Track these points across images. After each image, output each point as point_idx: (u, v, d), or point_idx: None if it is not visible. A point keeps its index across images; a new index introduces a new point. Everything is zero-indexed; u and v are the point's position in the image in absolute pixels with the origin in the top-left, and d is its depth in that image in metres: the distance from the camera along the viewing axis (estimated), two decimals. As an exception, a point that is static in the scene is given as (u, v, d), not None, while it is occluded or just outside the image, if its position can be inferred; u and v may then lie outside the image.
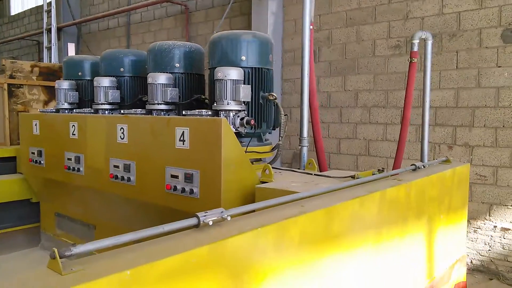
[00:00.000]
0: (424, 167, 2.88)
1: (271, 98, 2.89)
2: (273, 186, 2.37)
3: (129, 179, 2.80)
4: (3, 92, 6.82)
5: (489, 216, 5.28)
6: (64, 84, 3.61)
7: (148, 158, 2.72)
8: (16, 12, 15.81)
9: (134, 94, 3.44)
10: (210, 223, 1.39)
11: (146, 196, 2.75)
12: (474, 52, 5.33)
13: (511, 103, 5.07)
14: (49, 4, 10.33)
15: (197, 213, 1.39)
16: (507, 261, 5.15)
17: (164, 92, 2.91)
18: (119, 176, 2.87)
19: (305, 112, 3.40)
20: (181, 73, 3.07)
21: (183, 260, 1.18)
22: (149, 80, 2.95)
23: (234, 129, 2.66)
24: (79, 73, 3.74)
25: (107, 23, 11.19)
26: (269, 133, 3.15)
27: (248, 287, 1.41)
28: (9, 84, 6.84)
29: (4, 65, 6.90)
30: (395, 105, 6.01)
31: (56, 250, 1.04)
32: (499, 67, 5.14)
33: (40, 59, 12.55)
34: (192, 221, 1.38)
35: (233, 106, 2.67)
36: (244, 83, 2.76)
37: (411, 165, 2.80)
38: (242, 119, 2.71)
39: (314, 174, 2.80)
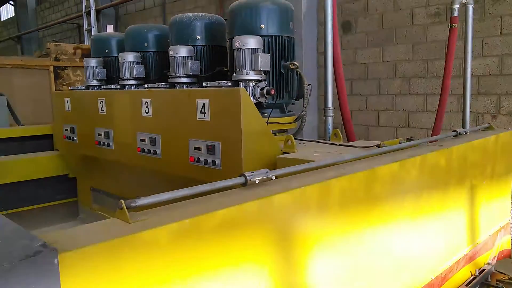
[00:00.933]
0: (465, 133, 2.85)
1: (293, 67, 2.79)
2: (293, 156, 2.33)
3: (155, 152, 2.81)
4: (49, 74, 7.17)
5: (535, 186, 5.13)
6: (92, 62, 3.63)
7: (172, 131, 2.72)
8: (57, -3, 16.32)
9: (159, 69, 3.41)
10: (257, 181, 1.48)
11: (172, 168, 2.77)
12: None
13: (560, 68, 4.86)
14: (88, -13, 10.62)
15: (243, 173, 1.49)
16: (555, 232, 5.01)
17: (185, 65, 2.88)
18: (145, 150, 2.88)
19: (329, 81, 3.30)
20: (203, 45, 3.02)
21: (235, 213, 1.27)
22: (170, 53, 2.92)
23: (254, 100, 2.60)
24: (106, 50, 3.73)
25: (143, 3, 11.37)
26: (292, 103, 3.08)
27: (292, 241, 1.50)
28: (54, 67, 7.18)
29: (49, 48, 7.22)
30: (435, 75, 5.86)
31: (123, 201, 1.16)
32: (547, 30, 4.92)
33: (81, 41, 12.96)
34: (240, 179, 1.47)
35: (252, 76, 2.61)
36: (264, 52, 2.70)
37: (452, 131, 2.78)
38: (262, 89, 2.64)
39: (339, 145, 2.73)
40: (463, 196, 2.66)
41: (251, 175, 1.47)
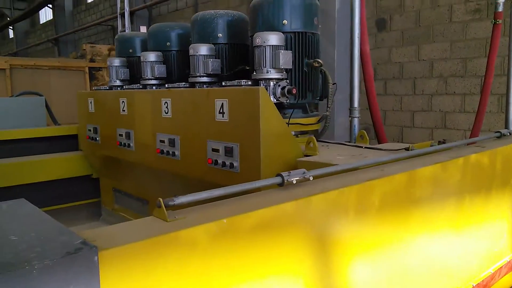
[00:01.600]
0: (510, 134, 2.73)
1: (317, 65, 2.63)
2: (316, 159, 2.20)
3: (174, 154, 2.73)
4: (85, 75, 7.35)
5: None
6: (115, 62, 3.57)
7: (191, 132, 2.63)
8: (92, 0, 16.78)
9: (181, 68, 3.31)
10: (294, 182, 1.45)
11: (190, 171, 2.67)
12: None
13: None
14: (122, -12, 10.84)
15: (280, 173, 1.46)
16: None
17: (205, 63, 2.77)
18: (165, 151, 2.79)
19: (356, 79, 3.12)
20: (224, 43, 2.90)
21: (272, 213, 1.25)
22: (191, 52, 2.82)
23: (275, 99, 2.48)
24: (130, 50, 3.66)
25: (176, 4, 11.51)
26: (316, 103, 2.93)
27: (331, 245, 1.46)
28: (89, 68, 7.35)
29: (84, 49, 7.40)
30: (474, 74, 5.65)
31: (161, 200, 1.15)
32: None
33: (115, 43, 13.26)
34: (277, 179, 1.44)
35: (273, 74, 2.47)
36: (287, 49, 2.56)
37: (496, 132, 2.67)
38: (283, 88, 2.49)
39: (365, 147, 2.58)
40: (506, 200, 2.54)
41: (288, 175, 1.44)
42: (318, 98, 2.87)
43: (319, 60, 2.65)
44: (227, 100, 2.33)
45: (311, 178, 1.49)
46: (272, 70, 2.47)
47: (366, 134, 2.76)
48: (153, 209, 1.18)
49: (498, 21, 3.37)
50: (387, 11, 6.49)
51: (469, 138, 3.92)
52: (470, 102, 5.73)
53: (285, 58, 2.44)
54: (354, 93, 3.17)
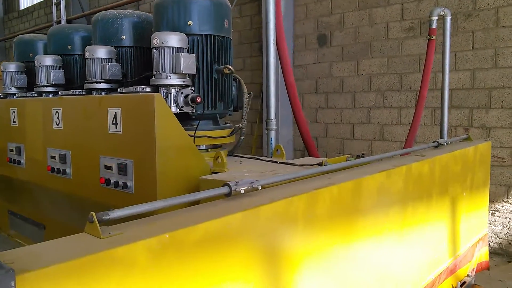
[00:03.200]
0: (446, 143, 2.84)
1: (227, 71, 2.37)
2: (220, 177, 1.93)
3: (65, 172, 2.36)
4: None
5: (507, 198, 5.15)
6: (10, 67, 3.06)
7: (82, 147, 2.28)
8: (25, 7, 15.80)
9: (84, 74, 2.81)
10: (242, 191, 1.38)
11: (83, 191, 2.32)
12: (490, 31, 5.03)
13: (530, 83, 4.96)
14: (59, -4, 10.35)
15: (228, 182, 1.38)
16: (526, 243, 5.08)
17: (103, 68, 2.40)
18: (55, 169, 2.42)
19: (272, 89, 2.85)
20: (129, 46, 2.56)
21: (219, 226, 1.15)
22: (86, 54, 2.45)
23: (176, 109, 2.18)
24: (30, 54, 3.18)
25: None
26: (229, 114, 2.65)
27: (279, 254, 1.40)
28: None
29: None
30: (409, 88, 5.86)
31: (94, 214, 1.03)
32: (517, 46, 5.03)
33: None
34: (224, 189, 1.36)
35: (174, 80, 2.16)
36: (191, 53, 2.24)
37: (433, 141, 2.76)
38: (186, 96, 2.19)
39: (280, 162, 2.38)
40: (445, 208, 2.61)
41: (235, 185, 1.37)
42: (232, 108, 2.59)
43: (230, 67, 2.38)
44: (120, 109, 1.99)
45: (260, 188, 1.43)
46: (173, 75, 2.16)
47: (282, 148, 2.54)
48: (49, 235, 1.04)
49: (432, 37, 3.54)
50: (328, 27, 6.64)
51: (403, 148, 4.05)
52: (405, 115, 5.94)
53: (187, 62, 2.13)
54: (270, 104, 2.87)
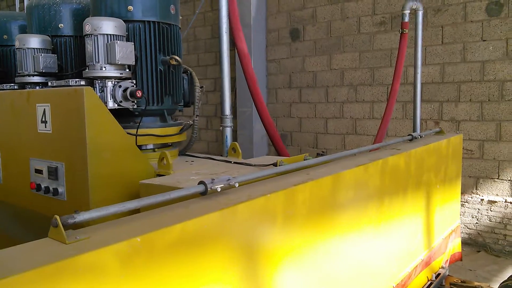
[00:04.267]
0: (420, 137, 2.85)
1: (174, 62, 2.19)
2: (162, 182, 1.75)
3: None
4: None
5: (476, 189, 5.29)
6: None
7: (12, 148, 2.07)
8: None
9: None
10: (218, 189, 1.32)
11: (14, 198, 2.11)
12: (459, 26, 5.12)
13: (496, 77, 5.04)
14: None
15: (203, 180, 1.32)
16: (494, 233, 5.19)
17: (36, 59, 2.19)
18: None
19: (226, 83, 2.63)
20: (67, 36, 2.34)
21: (195, 226, 1.09)
22: (17, 44, 2.23)
23: (114, 104, 1.99)
24: None
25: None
26: (179, 110, 2.46)
27: (259, 253, 1.35)
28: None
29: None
30: (381, 83, 5.91)
31: (58, 217, 0.95)
32: (484, 41, 5.07)
33: None
34: (199, 188, 1.29)
35: (109, 71, 1.96)
36: (130, 41, 2.04)
37: (408, 135, 2.77)
38: (125, 90, 1.99)
39: (234, 162, 2.23)
40: (420, 200, 2.62)
41: (211, 183, 1.30)
42: (182, 104, 2.41)
43: (177, 57, 2.18)
44: (49, 105, 1.79)
45: (237, 185, 1.37)
46: (108, 67, 1.96)
47: (238, 146, 2.37)
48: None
49: (405, 31, 3.55)
50: (301, 22, 6.62)
51: (374, 142, 4.02)
52: (377, 109, 5.99)
53: (124, 51, 1.93)
54: (225, 99, 2.64)
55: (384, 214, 2.14)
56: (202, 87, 2.43)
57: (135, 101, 2.05)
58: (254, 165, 2.12)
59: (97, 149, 1.72)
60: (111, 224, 1.06)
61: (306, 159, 1.94)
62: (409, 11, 3.55)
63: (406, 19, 3.54)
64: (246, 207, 1.26)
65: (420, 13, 3.50)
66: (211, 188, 1.28)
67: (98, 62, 1.96)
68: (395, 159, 2.22)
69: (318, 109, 6.54)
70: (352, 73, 6.12)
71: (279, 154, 3.18)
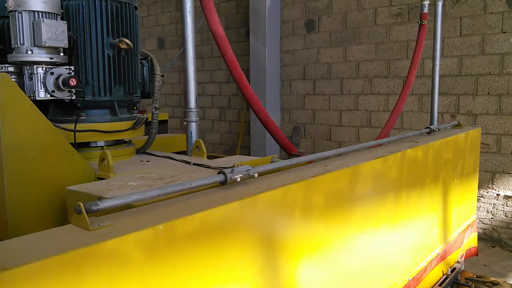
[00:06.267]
0: (438, 130, 2.81)
1: (124, 46, 1.89)
2: (89, 189, 1.51)
3: None
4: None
5: (492, 184, 5.22)
6: None
7: None
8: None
9: None
10: (238, 179, 1.31)
11: None
12: (478, 18, 5.01)
13: (516, 70, 4.98)
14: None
15: (223, 169, 1.31)
16: (510, 228, 5.12)
17: None
18: None
19: (191, 73, 2.26)
20: (5, 16, 1.96)
21: (215, 215, 1.09)
22: None
23: (46, 94, 1.75)
24: None
25: None
26: (135, 101, 2.21)
27: (277, 243, 1.35)
28: None
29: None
30: (397, 75, 5.84)
31: (82, 204, 0.95)
32: (504, 33, 4.96)
33: None
34: (219, 177, 1.29)
35: (37, 55, 1.68)
36: (72, 21, 1.75)
37: (426, 127, 2.73)
38: (57, 77, 1.74)
39: (193, 164, 1.98)
40: (437, 194, 2.59)
41: (231, 172, 1.30)
42: (138, 94, 2.15)
43: (127, 41, 1.90)
44: None
45: (256, 175, 1.37)
46: (36, 50, 1.68)
47: (202, 144, 2.11)
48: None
49: (423, 22, 3.49)
50: (316, 13, 6.56)
51: (380, 134, 3.88)
52: (393, 102, 5.90)
53: (53, 31, 1.65)
54: (189, 90, 2.30)
55: (401, 207, 2.12)
56: (163, 75, 2.19)
57: (73, 91, 1.76)
58: (214, 168, 1.89)
59: (17, 147, 1.50)
60: (132, 212, 1.07)
61: (273, 162, 1.79)
62: (428, 2, 3.48)
63: (426, 10, 3.48)
64: (266, 197, 1.25)
65: (440, 4, 3.43)
66: (230, 178, 1.28)
67: (23, 44, 1.67)
68: (413, 151, 2.19)
69: (332, 101, 6.49)
70: (367, 65, 6.05)
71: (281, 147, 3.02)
